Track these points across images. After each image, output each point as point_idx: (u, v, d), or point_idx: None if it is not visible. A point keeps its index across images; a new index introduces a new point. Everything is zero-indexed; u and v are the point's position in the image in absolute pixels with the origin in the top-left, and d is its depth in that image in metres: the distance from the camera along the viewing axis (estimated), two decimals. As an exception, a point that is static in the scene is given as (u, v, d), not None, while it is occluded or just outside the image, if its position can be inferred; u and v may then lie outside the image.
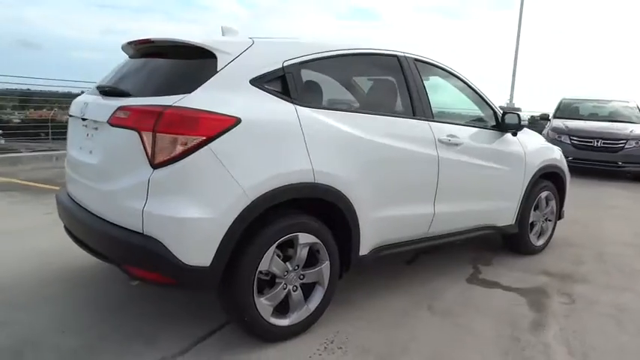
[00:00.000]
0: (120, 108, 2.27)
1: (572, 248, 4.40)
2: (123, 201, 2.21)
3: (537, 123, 12.61)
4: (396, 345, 2.51)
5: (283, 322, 2.46)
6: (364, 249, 2.76)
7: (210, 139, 2.12)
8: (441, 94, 3.46)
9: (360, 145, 2.64)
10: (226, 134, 2.16)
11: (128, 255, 2.22)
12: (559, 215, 4.43)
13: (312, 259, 2.55)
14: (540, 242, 4.23)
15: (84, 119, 2.58)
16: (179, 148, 2.09)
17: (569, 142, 9.06)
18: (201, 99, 2.18)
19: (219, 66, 2.29)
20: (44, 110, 13.62)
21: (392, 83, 3.10)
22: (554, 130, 9.51)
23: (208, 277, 2.17)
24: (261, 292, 2.37)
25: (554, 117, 10.27)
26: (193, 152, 2.10)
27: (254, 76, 2.36)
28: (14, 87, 12.32)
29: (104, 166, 2.36)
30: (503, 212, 3.77)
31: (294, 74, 2.49)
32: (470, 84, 3.60)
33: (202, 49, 2.34)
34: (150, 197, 2.13)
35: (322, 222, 2.54)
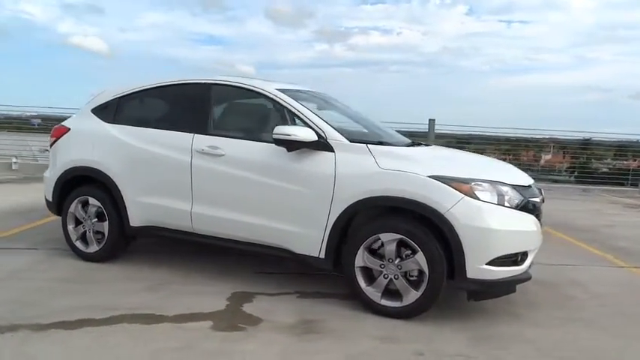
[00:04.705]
0: None
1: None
2: None
3: None
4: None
5: (84, 249, 4.16)
6: (134, 222, 3.94)
7: (57, 139, 4.33)
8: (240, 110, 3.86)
9: (125, 147, 3.93)
10: (63, 136, 4.29)
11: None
12: (452, 278, 2.98)
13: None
14: (389, 303, 3.13)
15: None
16: (50, 142, 4.42)
17: None
18: (69, 120, 4.42)
19: (87, 102, 4.40)
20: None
21: (173, 104, 3.98)
22: None
23: (52, 207, 4.35)
24: (76, 225, 4.22)
25: None
26: (53, 144, 4.38)
27: (93, 107, 4.27)
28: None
29: None
30: (298, 238, 3.34)
31: (113, 104, 4.17)
32: (282, 102, 3.58)
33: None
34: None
35: (106, 193, 4.04)
